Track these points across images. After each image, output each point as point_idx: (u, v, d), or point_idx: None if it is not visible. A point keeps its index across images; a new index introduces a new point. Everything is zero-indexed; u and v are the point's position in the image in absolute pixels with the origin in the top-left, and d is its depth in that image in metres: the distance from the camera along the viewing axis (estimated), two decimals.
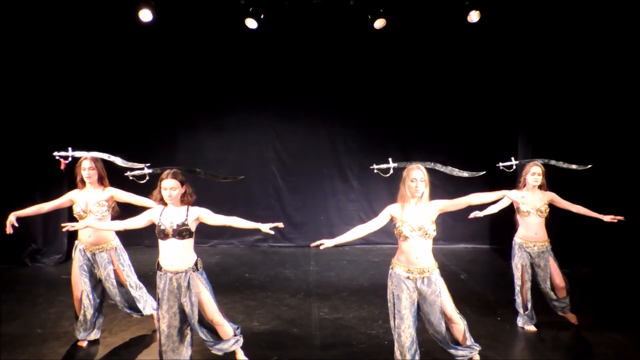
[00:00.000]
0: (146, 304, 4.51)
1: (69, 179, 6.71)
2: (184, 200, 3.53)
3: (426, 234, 3.44)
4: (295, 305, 5.47)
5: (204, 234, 8.44)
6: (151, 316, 4.60)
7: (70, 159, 4.36)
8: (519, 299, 4.71)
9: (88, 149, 4.50)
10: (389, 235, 8.79)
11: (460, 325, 3.59)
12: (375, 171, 4.03)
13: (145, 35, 7.47)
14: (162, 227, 3.45)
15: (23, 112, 6.90)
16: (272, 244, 8.47)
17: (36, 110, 6.97)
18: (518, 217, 4.71)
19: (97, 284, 4.38)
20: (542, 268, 4.62)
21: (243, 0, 7.00)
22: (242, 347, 4.31)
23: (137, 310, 4.52)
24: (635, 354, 4.31)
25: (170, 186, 3.45)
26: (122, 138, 7.69)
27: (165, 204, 3.52)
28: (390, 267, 3.57)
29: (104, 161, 4.37)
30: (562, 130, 6.90)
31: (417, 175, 3.46)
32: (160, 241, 3.49)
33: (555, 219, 7.02)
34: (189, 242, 3.52)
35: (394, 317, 3.49)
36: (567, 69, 6.83)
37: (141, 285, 4.56)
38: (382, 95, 8.34)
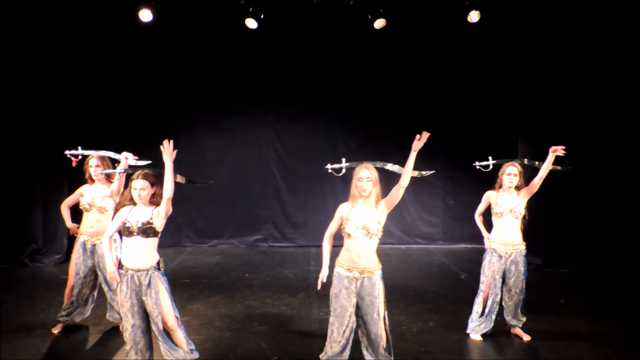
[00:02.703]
0: (113, 311, 4.69)
1: (69, 176, 6.75)
2: (153, 201, 3.57)
3: (369, 233, 3.43)
4: (295, 305, 5.46)
5: (204, 234, 8.45)
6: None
7: (80, 157, 4.64)
8: (477, 305, 4.56)
9: (88, 149, 4.62)
10: (389, 235, 8.88)
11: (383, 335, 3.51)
12: (330, 170, 4.05)
13: (145, 35, 7.47)
14: (128, 225, 3.49)
15: (23, 112, 6.89)
16: (272, 244, 8.48)
17: (36, 110, 6.96)
18: (493, 218, 4.57)
19: (89, 277, 4.58)
20: (512, 273, 4.48)
21: (243, 0, 7.00)
22: (242, 347, 4.32)
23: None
24: (637, 354, 4.31)
25: (140, 186, 3.51)
26: (122, 138, 7.65)
27: (135, 204, 3.57)
28: (335, 265, 3.58)
29: (111, 159, 4.64)
30: (562, 130, 6.89)
31: (363, 174, 3.46)
32: (124, 238, 3.52)
33: (540, 220, 7.06)
34: (153, 242, 3.55)
35: (331, 314, 3.53)
36: (567, 69, 6.83)
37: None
38: (382, 95, 8.35)
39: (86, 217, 4.58)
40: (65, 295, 4.60)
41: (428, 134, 3.41)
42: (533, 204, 6.96)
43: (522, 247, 4.53)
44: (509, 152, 6.83)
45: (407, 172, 3.42)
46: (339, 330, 3.47)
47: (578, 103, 6.84)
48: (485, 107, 8.19)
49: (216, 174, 8.37)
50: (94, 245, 4.55)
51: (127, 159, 4.28)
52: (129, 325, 3.49)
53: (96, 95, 7.77)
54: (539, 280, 6.61)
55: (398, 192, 3.44)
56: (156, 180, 3.58)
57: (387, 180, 3.75)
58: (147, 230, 3.48)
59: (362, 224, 3.44)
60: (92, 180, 4.59)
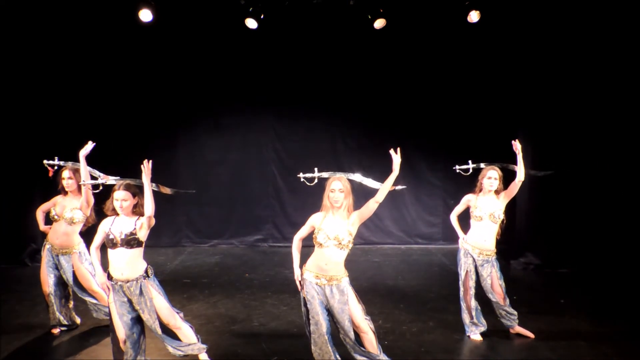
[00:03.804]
0: (99, 311, 4.72)
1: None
2: (135, 211, 3.56)
3: (340, 244, 3.48)
4: (295, 305, 5.45)
5: (204, 234, 8.45)
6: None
7: (56, 167, 4.74)
8: (463, 305, 4.59)
9: (77, 159, 4.63)
10: (389, 235, 8.85)
11: (369, 335, 3.58)
12: (302, 179, 4.08)
13: (145, 35, 7.48)
14: (111, 237, 3.48)
15: (23, 112, 6.89)
16: (272, 244, 8.48)
17: (36, 110, 6.97)
18: (471, 221, 4.58)
19: (61, 282, 4.67)
20: (484, 278, 4.50)
21: (243, 0, 7.00)
22: (242, 347, 4.32)
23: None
24: (637, 354, 4.31)
25: (121, 197, 3.49)
26: (123, 138, 7.70)
27: (117, 214, 3.56)
28: (303, 269, 3.62)
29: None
30: (562, 131, 6.90)
31: (336, 186, 3.51)
32: (109, 250, 3.52)
33: (540, 220, 7.06)
34: (138, 251, 3.54)
35: (309, 322, 3.55)
36: (567, 69, 6.83)
37: (97, 290, 4.68)
38: (382, 95, 8.34)
39: (54, 228, 4.63)
40: (47, 301, 4.64)
41: (399, 148, 3.57)
42: (533, 205, 7.06)
43: (494, 254, 4.53)
44: (509, 153, 6.81)
45: (385, 188, 3.53)
46: (322, 338, 3.49)
47: (578, 103, 6.84)
48: (485, 107, 8.18)
49: (216, 174, 8.39)
50: (58, 256, 4.60)
51: (84, 184, 4.29)
52: (123, 336, 3.50)
53: (97, 95, 7.78)
54: (539, 280, 6.63)
55: (373, 206, 3.52)
56: (138, 190, 3.56)
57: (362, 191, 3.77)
58: (130, 242, 3.47)
59: (334, 234, 3.49)
60: (66, 192, 4.64)
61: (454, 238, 8.30)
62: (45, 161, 4.75)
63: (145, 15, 6.76)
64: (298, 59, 8.15)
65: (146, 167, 3.46)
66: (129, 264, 3.48)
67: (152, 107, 8.07)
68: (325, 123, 8.42)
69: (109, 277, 3.52)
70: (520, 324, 4.62)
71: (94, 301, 4.68)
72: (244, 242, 8.48)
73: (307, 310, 3.55)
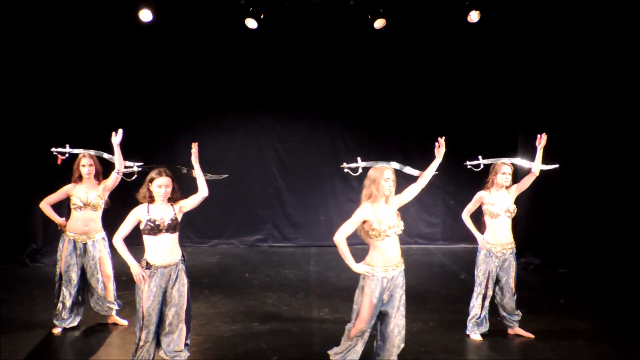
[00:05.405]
0: (100, 305, 4.72)
1: (68, 174, 6.79)
2: (171, 197, 3.64)
3: (400, 229, 3.55)
4: (295, 305, 5.47)
5: (204, 234, 8.45)
6: (108, 317, 4.82)
7: (67, 155, 4.69)
8: (477, 303, 4.56)
9: (87, 149, 4.66)
10: None
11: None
12: (346, 170, 4.05)
13: (145, 35, 7.47)
14: (157, 223, 3.51)
15: (23, 112, 6.89)
16: (272, 244, 8.47)
17: (36, 110, 6.97)
18: (486, 219, 4.55)
19: (79, 274, 4.62)
20: (505, 271, 4.48)
21: (243, 0, 7.00)
22: (242, 347, 4.32)
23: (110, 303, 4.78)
24: (637, 354, 4.31)
25: (165, 183, 3.56)
26: (123, 138, 7.68)
27: (151, 202, 3.58)
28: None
29: (99, 158, 4.70)
30: (562, 130, 6.90)
31: (389, 175, 3.54)
32: (149, 237, 3.53)
33: (540, 220, 7.06)
34: (177, 236, 3.65)
35: (357, 318, 3.53)
36: (567, 69, 6.83)
37: (111, 276, 4.73)
38: (382, 95, 8.34)
39: (76, 216, 4.55)
40: (61, 295, 4.59)
41: (444, 137, 3.73)
42: (533, 204, 7.06)
43: (514, 245, 4.55)
44: (509, 153, 6.81)
45: (429, 174, 3.76)
46: (359, 331, 3.54)
47: (578, 103, 6.84)
48: (485, 107, 8.18)
49: (216, 174, 8.37)
50: (85, 245, 4.55)
51: (119, 173, 4.33)
52: (150, 324, 3.52)
53: (96, 95, 7.78)
54: (539, 280, 6.63)
55: (416, 191, 3.69)
56: (174, 176, 3.67)
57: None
58: (175, 226, 3.59)
59: (393, 222, 3.54)
60: (81, 180, 4.57)
61: (454, 238, 8.45)
62: (53, 149, 4.67)
63: (145, 15, 6.76)
64: (298, 59, 8.14)
65: (195, 149, 3.72)
66: (172, 248, 3.57)
67: (152, 107, 8.06)
68: (325, 123, 8.41)
69: (148, 266, 3.52)
70: (520, 324, 4.63)
71: (101, 293, 4.64)
72: (244, 242, 8.47)
73: (360, 307, 3.52)
